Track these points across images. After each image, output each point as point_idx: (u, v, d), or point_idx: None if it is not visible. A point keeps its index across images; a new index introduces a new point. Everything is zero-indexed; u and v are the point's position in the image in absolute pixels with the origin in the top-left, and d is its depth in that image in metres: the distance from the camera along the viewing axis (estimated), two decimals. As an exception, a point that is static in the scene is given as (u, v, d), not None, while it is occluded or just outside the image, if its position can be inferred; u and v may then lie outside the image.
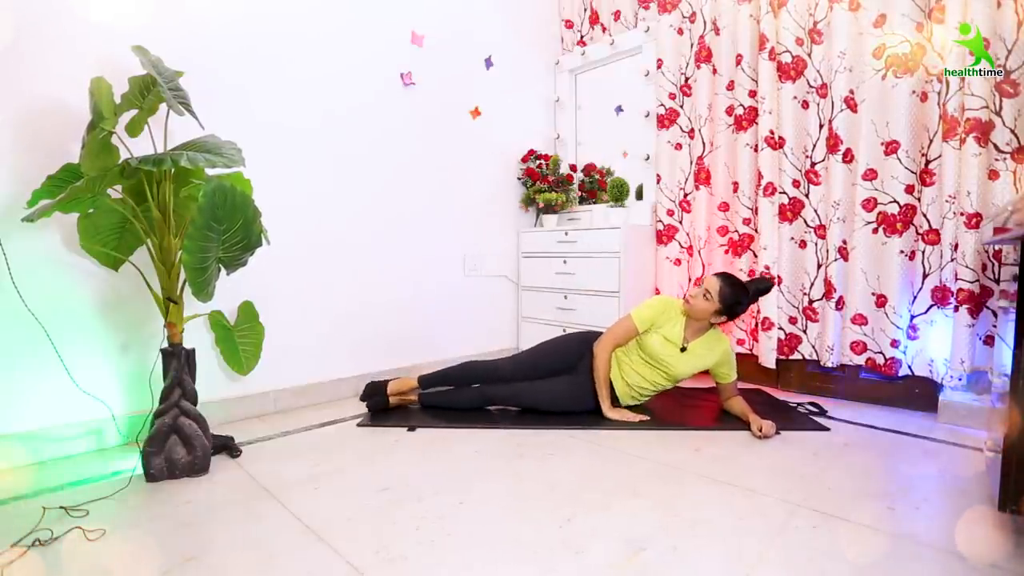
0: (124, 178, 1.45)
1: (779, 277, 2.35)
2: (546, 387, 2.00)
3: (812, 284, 2.29)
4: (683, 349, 1.93)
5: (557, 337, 2.18)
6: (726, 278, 1.89)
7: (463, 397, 2.04)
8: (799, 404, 2.17)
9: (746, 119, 2.42)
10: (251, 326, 1.81)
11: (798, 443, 1.73)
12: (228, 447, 1.68)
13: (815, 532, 1.18)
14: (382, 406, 2.04)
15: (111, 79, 1.51)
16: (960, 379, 1.89)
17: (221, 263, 1.56)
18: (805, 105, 2.28)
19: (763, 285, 1.94)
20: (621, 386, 2.00)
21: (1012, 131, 1.81)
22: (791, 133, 2.30)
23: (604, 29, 3.13)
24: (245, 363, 1.79)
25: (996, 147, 1.84)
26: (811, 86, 2.27)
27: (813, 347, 2.30)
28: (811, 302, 2.30)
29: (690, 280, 2.67)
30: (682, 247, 2.68)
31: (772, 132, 2.32)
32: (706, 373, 2.02)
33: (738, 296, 1.87)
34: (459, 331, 2.81)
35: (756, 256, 2.42)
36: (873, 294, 2.13)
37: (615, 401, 2.01)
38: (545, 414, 1.98)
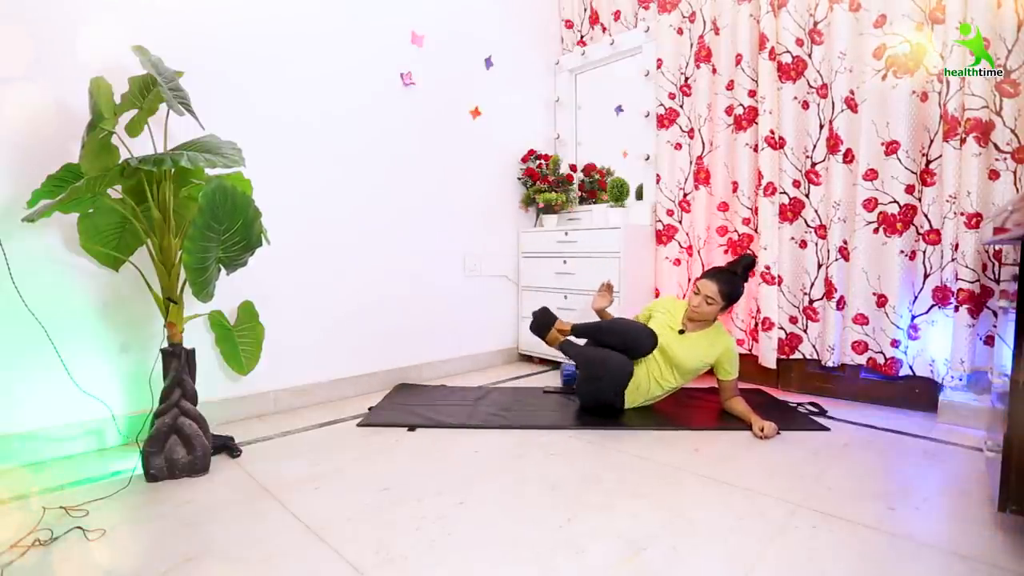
0: (124, 178, 1.45)
1: (779, 277, 2.35)
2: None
3: (812, 284, 2.29)
4: (681, 331, 1.99)
5: (635, 327, 2.08)
6: (718, 276, 1.95)
7: (575, 371, 2.14)
8: (799, 404, 2.17)
9: (746, 119, 2.42)
10: (251, 326, 1.81)
11: (798, 443, 1.73)
12: (228, 447, 1.68)
13: (815, 532, 1.18)
14: (541, 334, 2.16)
15: (111, 79, 1.51)
16: (960, 379, 1.89)
17: (221, 263, 1.56)
18: (805, 105, 2.28)
19: (747, 261, 2.01)
20: (631, 389, 2.00)
21: (1012, 131, 1.81)
22: (791, 133, 2.30)
23: (604, 29, 3.13)
24: (245, 363, 1.79)
25: (996, 147, 1.84)
26: (811, 86, 2.27)
27: (814, 347, 2.30)
28: (811, 302, 2.30)
29: (690, 280, 2.67)
30: (682, 247, 2.68)
31: (772, 132, 2.32)
32: (708, 373, 2.03)
33: (734, 288, 1.95)
34: (459, 331, 2.81)
35: (756, 256, 2.42)
36: (874, 294, 2.13)
37: (622, 403, 2.00)
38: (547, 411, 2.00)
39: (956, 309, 1.90)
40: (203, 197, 1.37)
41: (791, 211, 2.33)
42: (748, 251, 2.12)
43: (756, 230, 2.42)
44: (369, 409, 2.12)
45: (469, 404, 2.15)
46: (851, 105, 2.14)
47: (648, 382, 1.99)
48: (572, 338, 2.16)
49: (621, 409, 2.02)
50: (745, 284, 2.01)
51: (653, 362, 1.99)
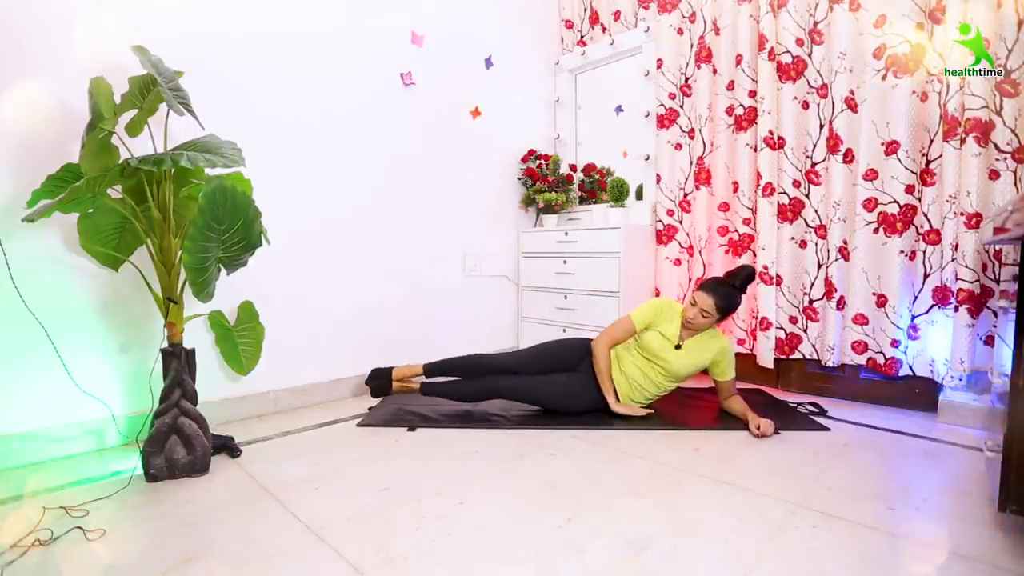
0: (124, 178, 1.45)
1: (779, 277, 2.35)
2: (550, 382, 2.00)
3: (812, 284, 2.29)
4: (678, 347, 1.95)
5: (561, 339, 2.18)
6: (716, 290, 1.89)
7: (466, 388, 2.05)
8: (799, 404, 2.17)
9: (746, 119, 2.42)
10: (251, 326, 1.81)
11: (798, 443, 1.73)
12: (228, 447, 1.68)
13: (815, 532, 1.18)
14: (384, 392, 2.08)
15: (111, 79, 1.51)
16: (960, 379, 1.89)
17: (221, 263, 1.56)
18: (805, 105, 2.28)
19: (747, 273, 1.93)
20: (624, 385, 2.00)
21: (1012, 131, 1.81)
22: (791, 133, 2.30)
23: (604, 29, 3.13)
24: (245, 363, 1.79)
25: (996, 147, 1.84)
26: (811, 86, 2.26)
27: (814, 347, 2.30)
28: (811, 302, 2.30)
29: (690, 280, 2.67)
30: (682, 247, 2.68)
31: (772, 132, 2.32)
32: (706, 372, 2.03)
33: (731, 302, 1.90)
34: (459, 331, 2.81)
35: (756, 256, 2.42)
36: (874, 294, 2.13)
37: (601, 404, 2.01)
38: (546, 412, 1.98)
39: (956, 309, 1.90)
40: (203, 197, 1.37)
41: (791, 211, 2.33)
42: (750, 264, 2.03)
43: (756, 230, 2.42)
44: (369, 409, 2.12)
45: (469, 404, 2.15)
46: (851, 105, 2.14)
47: (646, 386, 1.99)
48: (431, 379, 2.11)
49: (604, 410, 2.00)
50: (743, 296, 1.95)
51: (651, 369, 1.98)
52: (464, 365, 2.10)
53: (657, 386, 2.00)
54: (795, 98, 2.28)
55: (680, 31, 2.66)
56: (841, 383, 2.28)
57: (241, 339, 1.79)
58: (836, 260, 2.19)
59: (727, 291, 1.90)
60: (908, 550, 1.11)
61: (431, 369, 2.12)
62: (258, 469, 1.55)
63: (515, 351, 2.15)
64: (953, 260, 1.91)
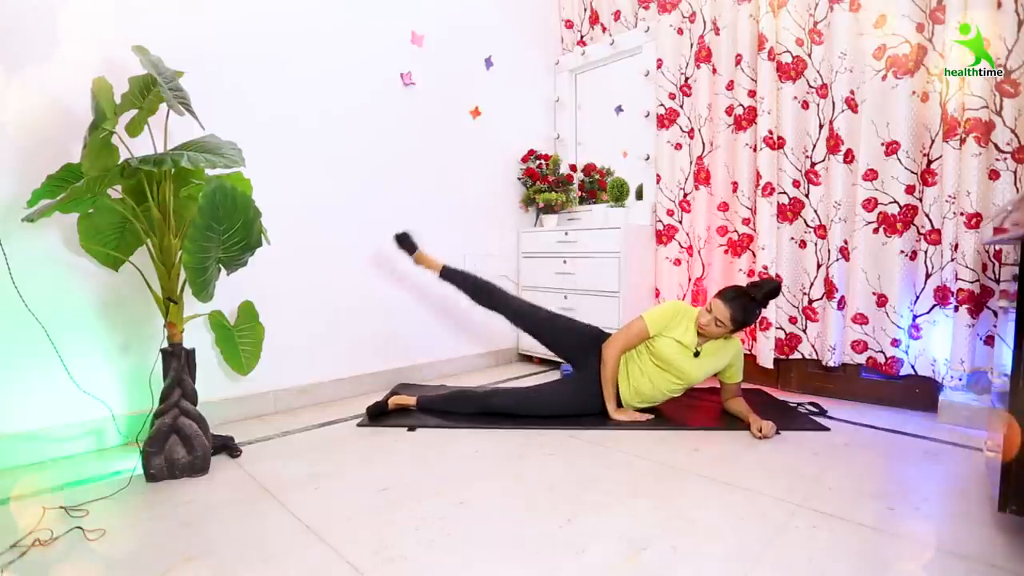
0: (124, 178, 1.45)
1: (778, 277, 2.35)
2: (547, 392, 1.99)
3: (812, 284, 2.29)
4: (696, 354, 1.91)
5: (568, 324, 2.13)
6: (734, 301, 1.82)
7: (462, 407, 2.03)
8: (799, 404, 2.17)
9: (746, 119, 2.42)
10: (251, 326, 1.81)
11: (798, 443, 1.73)
12: (228, 447, 1.68)
13: (815, 532, 1.18)
14: (382, 409, 2.02)
15: (111, 79, 1.50)
16: (960, 379, 1.89)
17: (221, 263, 1.56)
18: (805, 105, 2.28)
19: (771, 287, 1.84)
20: (629, 394, 1.99)
21: (1012, 131, 1.81)
22: (791, 133, 2.30)
23: (604, 29, 3.13)
24: (245, 363, 1.79)
25: (996, 147, 1.84)
26: (811, 86, 2.26)
27: (813, 346, 2.30)
28: (811, 302, 2.30)
29: (690, 280, 2.67)
30: (682, 247, 2.68)
31: (771, 132, 2.32)
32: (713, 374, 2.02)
33: (749, 315, 1.84)
34: (459, 331, 2.81)
35: (755, 256, 2.42)
36: (874, 294, 2.13)
37: (620, 404, 2.01)
38: (547, 418, 1.96)
39: (956, 309, 1.90)
40: (203, 197, 1.37)
41: (791, 211, 2.33)
42: (776, 279, 1.97)
43: (756, 230, 2.43)
44: (368, 411, 2.11)
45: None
46: (851, 105, 2.14)
47: (653, 395, 1.98)
48: (423, 411, 2.04)
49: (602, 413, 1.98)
50: (762, 311, 1.85)
51: (661, 378, 1.95)
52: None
53: (664, 394, 1.98)
54: (795, 98, 2.28)
55: (680, 31, 2.66)
56: (841, 383, 2.28)
57: (241, 339, 1.79)
58: (836, 260, 2.19)
59: (746, 303, 1.82)
60: (908, 550, 1.11)
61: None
62: (258, 469, 1.55)
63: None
64: (953, 260, 1.91)
